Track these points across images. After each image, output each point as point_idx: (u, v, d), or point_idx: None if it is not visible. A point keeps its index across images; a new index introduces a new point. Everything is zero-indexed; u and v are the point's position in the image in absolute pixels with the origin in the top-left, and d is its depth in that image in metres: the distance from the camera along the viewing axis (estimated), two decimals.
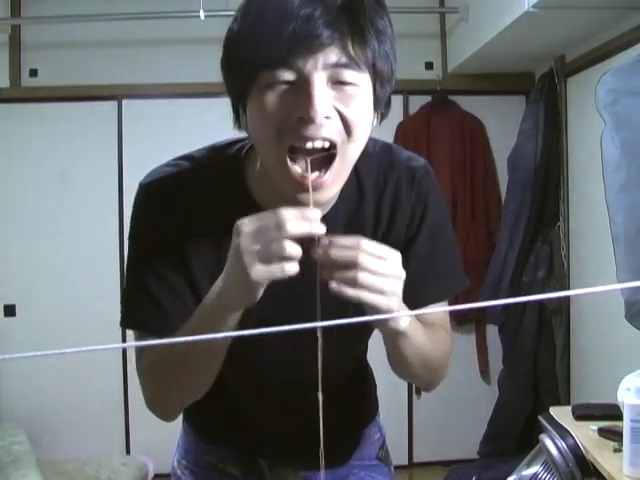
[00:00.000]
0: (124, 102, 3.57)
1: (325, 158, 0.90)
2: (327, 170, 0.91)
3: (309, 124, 0.87)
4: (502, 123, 3.61)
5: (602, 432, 1.93)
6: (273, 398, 1.19)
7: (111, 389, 3.57)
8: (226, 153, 1.05)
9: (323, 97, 0.87)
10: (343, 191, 1.00)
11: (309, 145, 0.88)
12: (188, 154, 1.07)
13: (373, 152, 1.07)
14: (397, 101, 3.65)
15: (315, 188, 0.90)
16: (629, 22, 2.49)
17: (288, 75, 0.87)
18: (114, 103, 3.57)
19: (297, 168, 0.89)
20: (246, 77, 0.90)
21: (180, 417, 1.24)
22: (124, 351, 3.57)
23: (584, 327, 3.06)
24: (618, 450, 1.79)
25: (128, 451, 3.57)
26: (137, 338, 1.05)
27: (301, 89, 0.87)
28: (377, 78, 0.93)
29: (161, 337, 0.88)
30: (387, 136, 3.55)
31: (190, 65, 3.51)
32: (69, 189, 3.56)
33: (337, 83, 0.89)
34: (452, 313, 3.56)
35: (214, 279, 0.92)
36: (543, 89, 3.23)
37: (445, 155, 3.56)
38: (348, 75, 0.89)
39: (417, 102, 3.63)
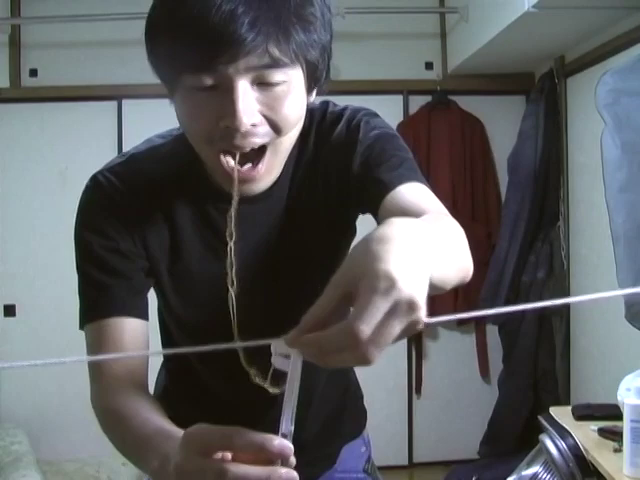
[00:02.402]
0: (124, 102, 3.57)
1: (256, 151, 0.89)
2: (259, 162, 0.90)
3: (236, 132, 0.85)
4: (502, 123, 3.61)
5: (602, 432, 1.93)
6: (242, 396, 1.09)
7: None
8: (178, 134, 1.04)
9: (247, 106, 0.84)
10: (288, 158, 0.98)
11: (238, 150, 0.88)
12: (141, 144, 1.08)
13: (312, 110, 1.03)
14: (397, 101, 3.65)
15: (248, 180, 0.90)
16: (629, 22, 2.49)
17: (210, 80, 0.83)
18: (114, 103, 3.57)
19: (229, 160, 0.89)
20: (168, 76, 0.88)
21: None
22: None
23: (584, 327, 3.06)
24: (618, 450, 1.79)
25: None
26: (92, 341, 0.98)
27: (225, 95, 0.84)
28: (308, 67, 0.88)
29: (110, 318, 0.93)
30: None
31: None
32: (69, 189, 3.56)
33: (263, 84, 0.85)
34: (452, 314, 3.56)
35: (170, 250, 1.00)
36: (543, 89, 3.23)
37: (445, 155, 3.56)
38: (273, 75, 0.84)
39: (417, 102, 3.63)
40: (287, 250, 1.03)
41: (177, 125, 1.00)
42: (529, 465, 2.06)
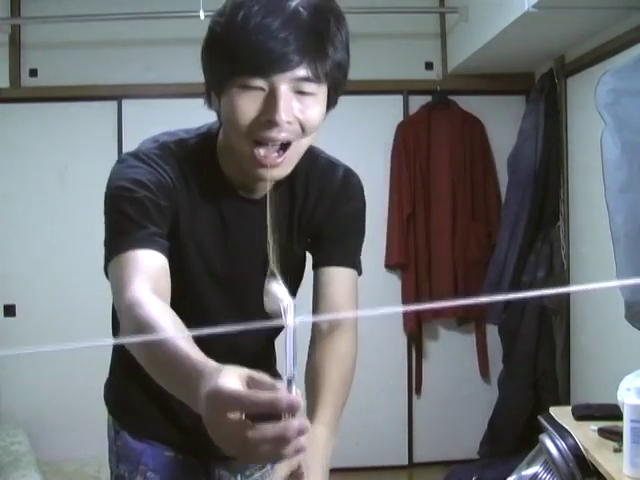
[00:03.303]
0: (124, 102, 3.57)
1: (281, 146, 1.13)
2: (283, 154, 1.14)
3: (274, 126, 1.10)
4: (502, 123, 3.61)
5: (602, 432, 1.93)
6: None
7: None
8: (202, 132, 1.27)
9: (287, 106, 1.09)
10: (277, 182, 1.24)
11: (271, 142, 1.12)
12: (168, 133, 1.28)
13: None
14: (397, 101, 3.65)
15: (273, 166, 1.14)
16: (629, 22, 2.50)
17: (261, 83, 1.09)
18: (114, 103, 3.57)
19: (261, 151, 1.12)
20: (225, 75, 1.11)
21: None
22: None
23: (584, 327, 3.06)
24: (618, 450, 1.78)
25: None
26: (125, 264, 1.08)
27: (270, 97, 1.09)
28: (332, 84, 1.15)
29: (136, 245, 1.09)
30: (387, 136, 3.56)
31: (190, 65, 3.48)
32: (69, 189, 3.57)
33: (299, 93, 1.11)
34: (452, 313, 3.57)
35: (188, 230, 1.21)
36: (543, 89, 3.23)
37: (445, 155, 3.56)
38: (309, 87, 1.11)
39: (417, 102, 3.63)
40: (275, 245, 1.23)
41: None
42: (529, 465, 2.06)
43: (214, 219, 1.25)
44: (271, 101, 1.09)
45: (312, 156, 1.31)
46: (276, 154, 1.13)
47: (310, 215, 1.32)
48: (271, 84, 1.08)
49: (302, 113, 1.11)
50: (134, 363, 1.00)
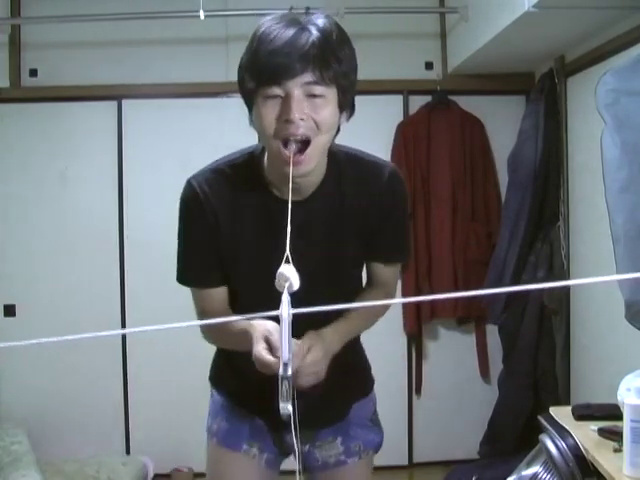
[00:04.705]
0: (124, 102, 3.57)
1: (304, 144, 1.35)
2: (304, 151, 1.36)
3: (290, 124, 1.32)
4: (502, 123, 3.61)
5: (602, 432, 1.93)
6: None
7: (111, 389, 3.57)
8: (249, 151, 1.53)
9: (299, 106, 1.32)
10: (322, 184, 1.49)
11: (292, 138, 1.34)
12: (225, 156, 1.55)
13: (345, 156, 1.54)
14: (397, 101, 3.65)
15: (296, 163, 1.35)
16: (629, 22, 2.49)
17: (278, 91, 1.33)
18: (114, 103, 3.57)
19: (286, 151, 1.35)
20: (251, 91, 1.36)
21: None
22: (124, 351, 3.57)
23: (584, 327, 3.06)
24: (618, 450, 1.78)
25: (128, 451, 3.57)
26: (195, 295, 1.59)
27: (285, 100, 1.33)
28: (339, 90, 1.37)
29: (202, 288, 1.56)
30: (387, 136, 3.56)
31: (190, 65, 3.51)
32: (69, 189, 3.57)
33: (310, 96, 1.33)
34: (452, 313, 3.57)
35: (240, 242, 1.50)
36: (543, 89, 3.23)
37: (445, 155, 3.56)
38: (317, 90, 1.33)
39: (417, 102, 3.63)
40: (317, 245, 1.50)
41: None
42: (529, 465, 2.06)
43: (265, 224, 1.49)
44: (286, 103, 1.32)
45: (357, 158, 1.54)
46: (298, 153, 1.35)
47: (365, 215, 1.53)
48: (285, 91, 1.32)
49: (315, 113, 1.33)
50: (225, 351, 1.61)
